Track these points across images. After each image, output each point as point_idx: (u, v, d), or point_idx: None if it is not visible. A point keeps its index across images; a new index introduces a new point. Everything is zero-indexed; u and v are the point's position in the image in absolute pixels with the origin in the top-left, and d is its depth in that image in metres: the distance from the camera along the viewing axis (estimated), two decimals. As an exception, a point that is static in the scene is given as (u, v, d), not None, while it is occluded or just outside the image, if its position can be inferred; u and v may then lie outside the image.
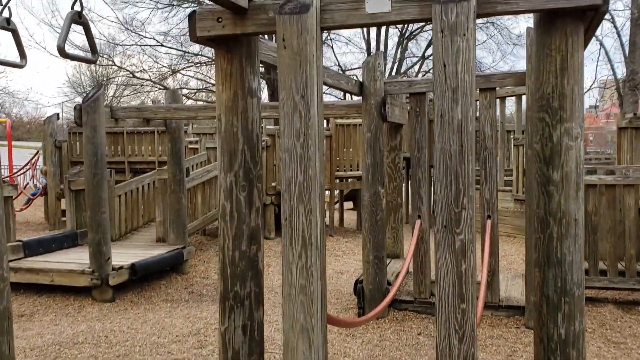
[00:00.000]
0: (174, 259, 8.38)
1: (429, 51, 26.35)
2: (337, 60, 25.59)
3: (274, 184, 11.70)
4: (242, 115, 3.17)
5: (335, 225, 12.93)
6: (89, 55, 2.69)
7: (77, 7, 2.47)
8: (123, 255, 7.86)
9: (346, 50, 23.77)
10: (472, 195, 2.60)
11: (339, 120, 12.13)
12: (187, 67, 26.04)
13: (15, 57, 3.29)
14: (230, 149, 3.19)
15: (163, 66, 25.84)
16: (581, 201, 2.79)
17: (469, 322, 2.63)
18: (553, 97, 2.77)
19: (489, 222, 6.18)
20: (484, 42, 23.44)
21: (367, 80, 6.23)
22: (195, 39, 3.13)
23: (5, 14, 2.62)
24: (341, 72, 24.40)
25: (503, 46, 23.74)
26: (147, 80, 26.19)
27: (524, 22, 33.53)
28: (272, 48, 3.64)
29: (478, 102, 6.87)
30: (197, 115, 7.40)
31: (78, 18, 2.48)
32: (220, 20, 3.04)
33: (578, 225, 2.78)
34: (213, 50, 3.25)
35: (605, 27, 19.95)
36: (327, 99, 25.92)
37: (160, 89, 27.04)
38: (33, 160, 15.42)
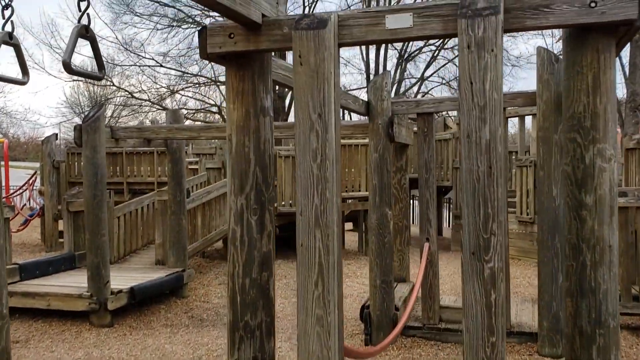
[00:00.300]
0: (173, 283, 8.17)
1: (428, 72, 26.41)
2: (336, 81, 25.49)
3: (275, 205, 11.53)
4: (254, 135, 3.03)
5: (336, 247, 12.72)
6: (96, 72, 2.54)
7: (84, 21, 2.33)
8: (122, 279, 7.65)
9: (345, 71, 23.82)
10: (503, 220, 2.45)
11: (341, 140, 12.01)
12: (186, 87, 26.00)
13: (15, 72, 3.15)
14: (241, 171, 3.03)
15: (162, 87, 25.80)
16: (615, 226, 2.63)
17: (499, 356, 2.46)
18: (585, 117, 2.63)
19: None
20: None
21: (374, 100, 6.11)
22: (205, 55, 2.99)
23: (8, 28, 2.49)
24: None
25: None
26: (145, 100, 26.13)
27: (523, 44, 33.72)
28: (281, 66, 3.52)
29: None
30: (199, 136, 7.26)
31: (85, 32, 2.34)
32: (232, 36, 2.91)
33: (612, 252, 2.63)
34: (224, 67, 3.11)
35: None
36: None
37: (159, 109, 26.96)
38: (30, 181, 15.23)
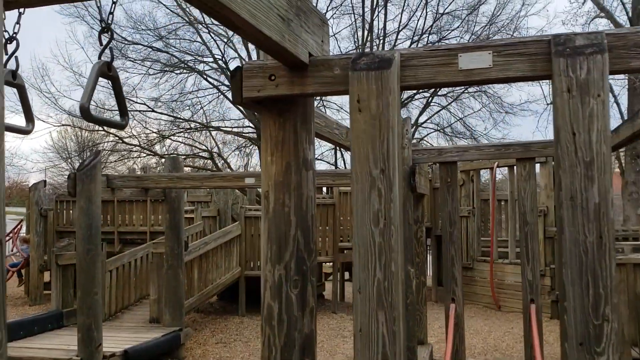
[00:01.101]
0: (169, 343, 7.54)
1: (421, 118, 26.29)
2: (330, 127, 25.28)
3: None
4: (295, 192, 2.56)
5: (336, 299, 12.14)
6: (116, 118, 2.07)
7: (106, 56, 1.89)
8: (114, 340, 7.01)
9: (338, 117, 23.59)
10: (617, 302, 1.98)
11: (343, 188, 11.57)
12: (177, 132, 25.61)
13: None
14: (280, 234, 2.55)
15: (152, 132, 25.40)
16: None
17: None
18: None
19: (532, 306, 5.53)
20: (479, 110, 23.42)
21: (394, 149, 5.70)
22: (239, 100, 2.55)
23: (11, 65, 2.05)
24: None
25: (495, 114, 23.62)
26: (135, 145, 25.67)
27: (517, 91, 34.00)
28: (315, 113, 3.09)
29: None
30: (202, 185, 6.80)
31: (107, 70, 1.90)
32: (273, 78, 2.48)
33: None
34: (259, 114, 2.67)
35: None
36: (321, 166, 25.51)
37: (149, 154, 26.49)
38: (15, 229, 14.54)
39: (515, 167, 6.05)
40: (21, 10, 2.08)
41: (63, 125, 27.20)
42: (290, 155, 2.57)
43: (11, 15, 2.08)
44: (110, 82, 1.98)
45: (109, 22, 1.93)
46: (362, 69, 2.25)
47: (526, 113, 25.24)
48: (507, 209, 12.49)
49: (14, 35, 2.01)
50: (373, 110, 2.22)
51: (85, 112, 1.74)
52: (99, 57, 1.91)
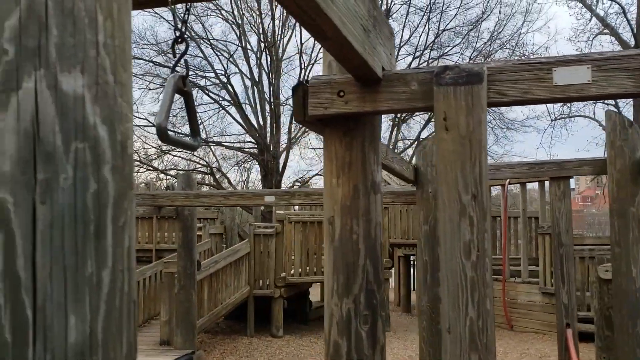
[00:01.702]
0: (182, 367, 7.27)
1: (424, 133, 26.17)
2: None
3: (283, 275, 10.73)
4: (363, 218, 2.34)
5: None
6: (189, 139, 1.81)
7: (181, 69, 1.66)
8: (126, 365, 6.72)
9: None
10: None
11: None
12: (177, 148, 25.39)
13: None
14: (347, 264, 2.33)
15: (152, 147, 25.17)
16: None
17: None
18: None
19: (569, 331, 5.30)
20: (481, 126, 23.27)
21: (424, 166, 5.50)
22: (301, 118, 2.35)
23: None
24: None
25: (496, 130, 23.58)
26: (135, 160, 25.41)
27: (518, 107, 34.03)
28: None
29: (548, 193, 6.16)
30: (220, 203, 6.57)
31: (182, 85, 1.65)
32: (342, 94, 2.27)
33: None
34: (319, 132, 2.46)
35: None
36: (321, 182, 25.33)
37: (148, 169, 26.24)
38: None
39: (549, 185, 5.86)
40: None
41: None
42: (358, 178, 2.35)
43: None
44: (182, 98, 1.74)
45: (183, 30, 1.67)
46: (448, 84, 2.05)
47: (528, 129, 25.22)
48: (519, 227, 12.31)
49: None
50: (462, 128, 2.02)
51: (162, 133, 1.50)
52: (172, 70, 1.68)
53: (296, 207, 13.69)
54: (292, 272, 10.76)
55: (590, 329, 7.40)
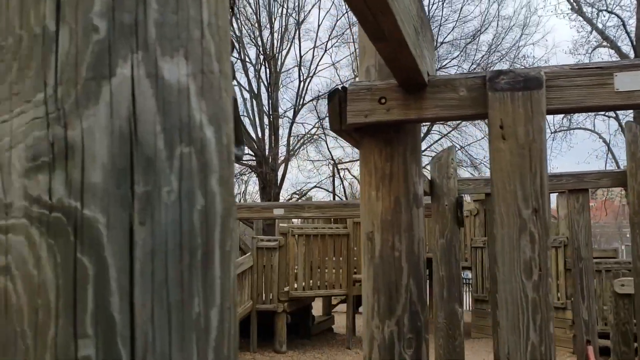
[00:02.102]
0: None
1: (422, 146, 26.09)
2: (331, 154, 25.04)
3: (286, 289, 10.53)
4: (406, 234, 2.19)
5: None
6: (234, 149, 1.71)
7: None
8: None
9: (335, 145, 23.16)
10: None
11: (357, 219, 11.20)
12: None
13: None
14: (389, 284, 2.17)
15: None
16: None
17: None
18: None
19: (590, 348, 5.15)
20: (482, 138, 23.26)
21: (439, 178, 5.37)
22: (338, 127, 2.20)
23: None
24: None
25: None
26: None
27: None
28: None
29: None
30: (252, 217, 6.39)
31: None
32: (384, 101, 2.13)
33: None
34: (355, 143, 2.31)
35: (608, 123, 19.88)
36: (320, 194, 25.14)
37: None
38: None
39: (567, 198, 5.73)
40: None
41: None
42: (399, 190, 2.20)
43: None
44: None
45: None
46: (504, 89, 1.91)
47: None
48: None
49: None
50: (521, 137, 1.87)
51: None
52: None
53: (297, 220, 13.52)
54: (296, 286, 10.56)
55: (602, 344, 7.25)
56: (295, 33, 22.62)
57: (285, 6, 22.25)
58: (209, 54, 0.59)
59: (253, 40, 22.40)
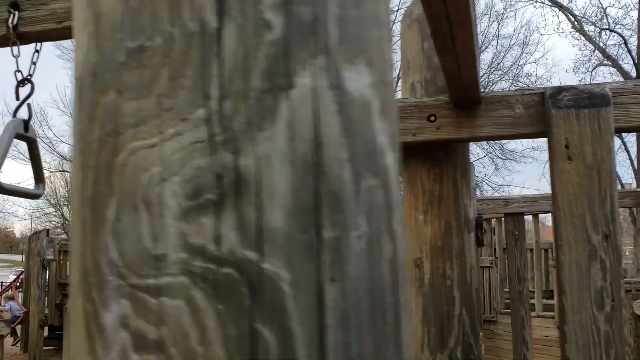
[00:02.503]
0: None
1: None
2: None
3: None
4: (457, 260, 2.06)
5: None
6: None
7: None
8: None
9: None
10: None
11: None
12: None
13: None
14: (441, 314, 2.04)
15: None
16: None
17: None
18: None
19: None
20: (484, 157, 23.15)
21: (458, 199, 5.24)
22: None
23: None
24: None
25: (496, 160, 23.44)
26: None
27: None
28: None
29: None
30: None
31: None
32: (433, 119, 2.02)
33: None
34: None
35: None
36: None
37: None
38: (16, 282, 13.60)
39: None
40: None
41: (53, 171, 26.67)
42: (449, 214, 2.08)
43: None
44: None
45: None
46: (568, 107, 1.80)
47: (528, 160, 25.07)
48: (533, 259, 11.99)
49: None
50: (588, 158, 1.76)
51: None
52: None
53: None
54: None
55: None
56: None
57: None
58: (387, 60, 0.47)
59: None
